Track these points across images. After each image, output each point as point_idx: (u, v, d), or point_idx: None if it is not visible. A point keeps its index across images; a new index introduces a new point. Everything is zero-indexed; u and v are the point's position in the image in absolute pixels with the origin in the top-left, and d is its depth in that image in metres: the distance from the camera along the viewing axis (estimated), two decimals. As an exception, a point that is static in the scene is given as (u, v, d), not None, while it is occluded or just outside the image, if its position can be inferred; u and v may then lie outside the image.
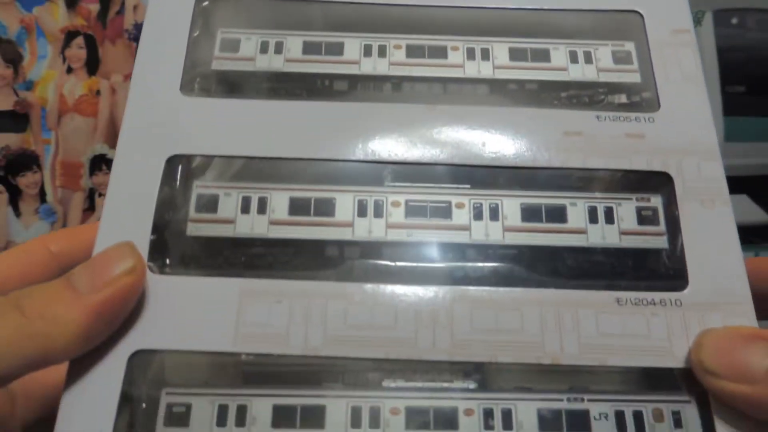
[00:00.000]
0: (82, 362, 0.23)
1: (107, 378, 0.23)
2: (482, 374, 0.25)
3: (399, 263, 0.26)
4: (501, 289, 0.25)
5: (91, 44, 0.66)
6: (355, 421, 0.24)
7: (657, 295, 0.25)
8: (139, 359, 0.24)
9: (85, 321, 0.22)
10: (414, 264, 0.26)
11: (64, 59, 0.66)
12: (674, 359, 0.24)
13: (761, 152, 0.70)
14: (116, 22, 0.67)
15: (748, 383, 0.22)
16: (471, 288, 0.25)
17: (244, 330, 0.24)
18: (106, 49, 0.66)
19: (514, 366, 0.24)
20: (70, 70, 0.66)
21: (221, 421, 0.24)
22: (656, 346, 0.24)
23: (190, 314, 0.24)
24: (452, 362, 0.24)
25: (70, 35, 0.66)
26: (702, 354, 0.23)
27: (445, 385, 0.25)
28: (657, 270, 0.26)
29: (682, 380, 0.24)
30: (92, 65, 0.66)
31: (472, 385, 0.25)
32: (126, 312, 0.24)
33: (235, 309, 0.24)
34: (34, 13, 0.66)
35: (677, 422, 0.24)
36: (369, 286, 0.25)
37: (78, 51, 0.66)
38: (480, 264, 0.26)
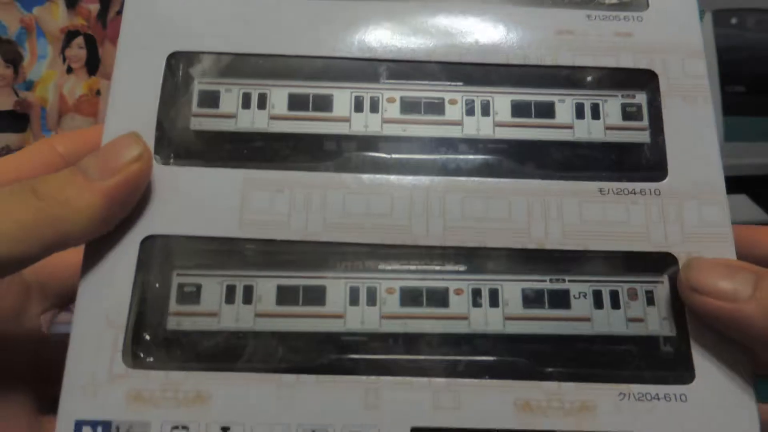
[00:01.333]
0: (96, 247, 0.25)
1: (122, 261, 0.25)
2: (472, 259, 0.26)
3: (394, 156, 0.27)
4: (491, 179, 0.27)
5: (91, 44, 0.65)
6: (353, 299, 0.26)
7: (637, 185, 0.26)
8: (150, 244, 0.25)
9: (98, 203, 0.23)
10: (408, 156, 0.27)
11: (64, 59, 0.65)
12: (650, 244, 0.26)
13: (761, 152, 0.70)
14: (116, 22, 0.65)
15: (730, 302, 0.23)
16: (462, 179, 0.27)
17: (248, 217, 0.26)
18: (106, 49, 0.65)
19: (501, 251, 0.26)
20: (70, 70, 0.65)
21: (229, 299, 0.25)
22: (634, 232, 0.26)
23: (196, 202, 0.26)
24: (444, 247, 0.26)
25: (70, 35, 0.65)
26: (690, 273, 0.24)
27: (437, 268, 0.26)
28: (639, 163, 0.28)
29: (657, 263, 0.26)
30: (92, 65, 0.65)
31: (462, 268, 0.26)
32: (136, 197, 0.25)
33: (239, 198, 0.26)
34: (34, 13, 0.65)
35: (650, 300, 0.26)
36: (366, 177, 0.26)
37: (78, 51, 0.65)
38: (471, 157, 0.28)
